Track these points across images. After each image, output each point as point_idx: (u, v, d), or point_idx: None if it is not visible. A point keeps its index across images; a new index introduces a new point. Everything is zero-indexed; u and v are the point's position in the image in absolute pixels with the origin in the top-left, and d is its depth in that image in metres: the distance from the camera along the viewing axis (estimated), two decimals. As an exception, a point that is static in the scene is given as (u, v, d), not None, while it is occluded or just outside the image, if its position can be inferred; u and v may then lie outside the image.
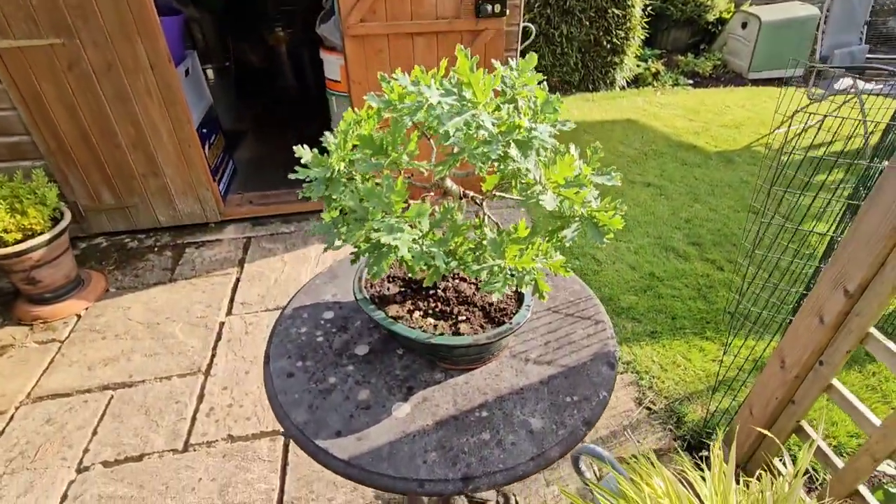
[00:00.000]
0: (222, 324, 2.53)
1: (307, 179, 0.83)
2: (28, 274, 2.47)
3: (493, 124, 0.71)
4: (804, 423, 1.50)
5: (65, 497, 1.81)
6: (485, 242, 0.81)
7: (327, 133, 0.84)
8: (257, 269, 2.92)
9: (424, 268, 0.77)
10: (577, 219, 0.84)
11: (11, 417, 2.09)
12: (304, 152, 0.82)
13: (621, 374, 2.22)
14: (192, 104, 3.05)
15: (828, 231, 1.83)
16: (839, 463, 1.40)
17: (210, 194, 3.15)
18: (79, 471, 1.89)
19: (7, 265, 2.41)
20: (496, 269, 0.78)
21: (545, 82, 0.86)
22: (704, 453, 1.86)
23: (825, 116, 1.78)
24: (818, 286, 1.36)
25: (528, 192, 0.81)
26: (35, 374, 2.27)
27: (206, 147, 3.22)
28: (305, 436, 0.90)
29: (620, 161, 4.17)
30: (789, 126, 4.17)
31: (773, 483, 1.15)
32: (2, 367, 2.31)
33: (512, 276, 0.78)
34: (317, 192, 0.81)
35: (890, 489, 1.52)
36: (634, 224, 3.28)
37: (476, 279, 1.12)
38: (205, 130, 3.30)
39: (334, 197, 0.80)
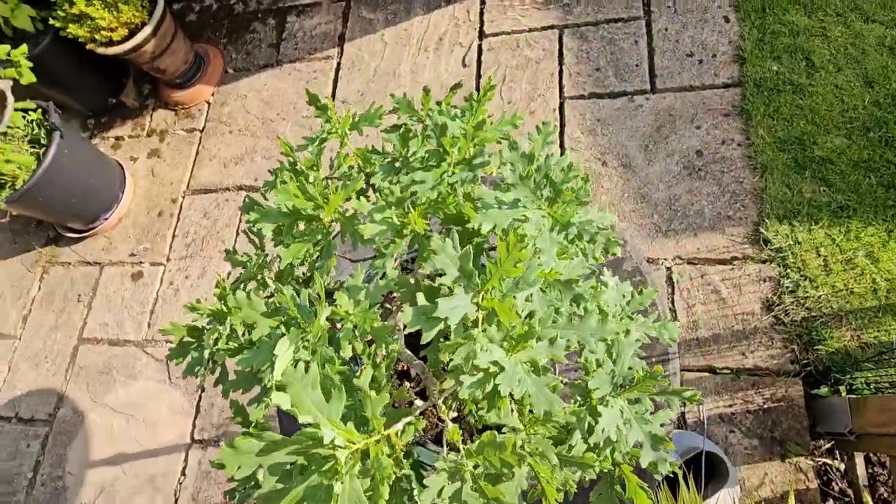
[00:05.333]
0: (325, 128, 2.46)
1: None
2: (152, 64, 2.55)
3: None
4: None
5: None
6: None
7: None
8: (356, 51, 2.57)
9: None
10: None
11: (181, 207, 2.56)
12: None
13: (762, 262, 1.74)
14: None
15: None
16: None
17: (298, -62, 2.57)
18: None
19: (130, 59, 2.49)
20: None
21: None
22: (823, 390, 1.55)
23: None
24: None
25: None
26: (188, 166, 2.62)
27: None
28: None
29: None
30: None
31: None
32: (165, 154, 2.70)
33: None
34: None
35: None
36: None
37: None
38: None
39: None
